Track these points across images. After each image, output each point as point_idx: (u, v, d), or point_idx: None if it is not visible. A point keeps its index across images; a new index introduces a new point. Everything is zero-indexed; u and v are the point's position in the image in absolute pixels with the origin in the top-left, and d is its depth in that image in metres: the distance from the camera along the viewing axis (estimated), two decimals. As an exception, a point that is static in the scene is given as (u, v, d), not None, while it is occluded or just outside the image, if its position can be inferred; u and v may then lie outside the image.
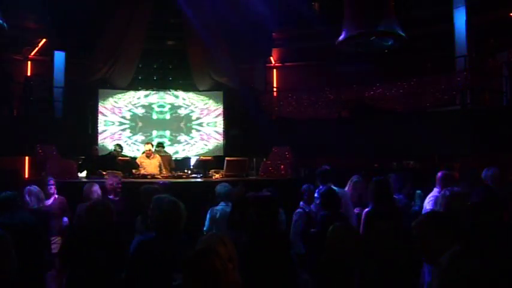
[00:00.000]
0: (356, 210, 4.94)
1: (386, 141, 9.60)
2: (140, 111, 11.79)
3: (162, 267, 2.58)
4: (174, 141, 11.78)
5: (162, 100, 11.91)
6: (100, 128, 11.36)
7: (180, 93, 12.02)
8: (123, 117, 11.67)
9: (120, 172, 7.52)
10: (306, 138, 9.95)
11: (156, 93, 11.92)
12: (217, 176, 8.13)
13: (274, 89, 12.94)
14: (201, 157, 11.47)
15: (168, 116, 11.92)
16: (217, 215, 4.69)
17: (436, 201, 4.20)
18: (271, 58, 13.32)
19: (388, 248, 2.79)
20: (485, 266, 1.83)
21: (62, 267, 3.72)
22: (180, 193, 3.66)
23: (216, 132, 11.93)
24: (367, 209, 4.13)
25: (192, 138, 11.93)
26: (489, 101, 9.65)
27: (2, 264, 2.47)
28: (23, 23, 11.35)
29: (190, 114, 11.98)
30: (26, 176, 10.49)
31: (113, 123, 11.56)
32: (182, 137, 11.90)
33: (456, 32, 9.65)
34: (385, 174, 4.96)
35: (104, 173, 7.41)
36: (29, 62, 12.42)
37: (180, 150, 11.74)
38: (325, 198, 4.35)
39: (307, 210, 4.75)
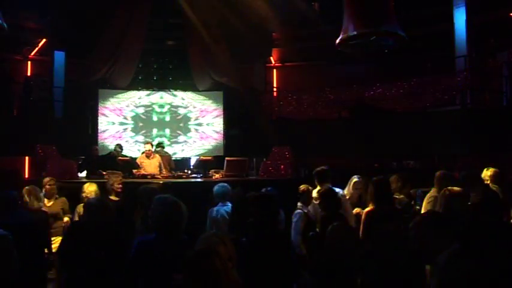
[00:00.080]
0: (355, 211, 4.94)
1: (386, 141, 9.60)
2: (141, 111, 11.80)
3: (162, 267, 2.58)
4: (173, 141, 11.78)
5: (162, 100, 11.91)
6: (101, 127, 11.35)
7: (180, 93, 12.02)
8: (124, 117, 11.67)
9: (120, 172, 7.50)
10: (306, 138, 9.95)
11: (156, 93, 11.92)
12: (217, 176, 8.13)
13: (274, 89, 12.94)
14: (201, 157, 11.47)
15: (167, 116, 11.92)
16: (217, 215, 4.69)
17: (435, 201, 4.20)
18: (271, 58, 13.31)
19: (389, 249, 2.80)
20: (483, 266, 1.83)
21: (61, 266, 3.72)
22: (180, 193, 3.66)
23: (216, 132, 11.92)
24: (367, 209, 4.13)
25: (190, 138, 11.93)
26: (489, 101, 9.64)
27: (3, 263, 2.47)
28: (23, 23, 11.34)
29: (190, 114, 11.98)
30: (26, 176, 10.47)
31: (113, 123, 11.56)
32: (181, 137, 11.90)
33: (456, 32, 9.66)
34: (385, 174, 4.95)
35: (104, 173, 7.40)
36: (29, 62, 12.42)
37: (179, 150, 11.74)
38: (325, 199, 4.35)
39: (305, 211, 4.75)
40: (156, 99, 11.89)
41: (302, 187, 4.88)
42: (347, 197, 5.14)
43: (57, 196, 5.45)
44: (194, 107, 12.00)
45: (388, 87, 10.11)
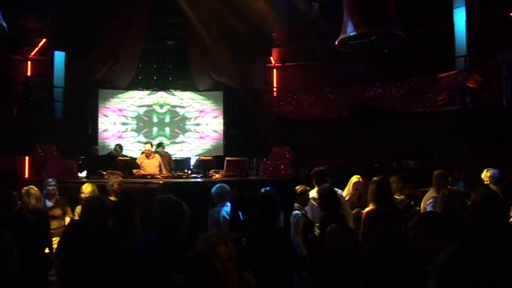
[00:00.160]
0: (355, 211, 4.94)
1: (386, 141, 9.59)
2: (142, 111, 11.80)
3: (163, 267, 2.57)
4: (172, 141, 11.77)
5: (162, 100, 11.91)
6: (103, 127, 11.35)
7: (179, 93, 12.02)
8: (126, 117, 11.67)
9: (120, 172, 7.52)
10: (306, 138, 9.95)
11: (156, 93, 11.92)
12: (217, 176, 8.13)
13: (274, 89, 12.93)
14: (201, 157, 11.47)
15: (167, 116, 11.92)
16: (218, 217, 4.70)
17: (436, 202, 4.20)
18: (271, 58, 13.31)
19: (389, 249, 2.79)
20: (482, 266, 1.83)
21: (60, 265, 3.72)
22: (180, 193, 3.66)
23: (215, 132, 11.92)
24: (367, 209, 4.13)
25: (189, 137, 11.93)
26: (489, 101, 9.64)
27: (4, 263, 2.47)
28: (23, 23, 11.34)
29: (189, 114, 11.98)
30: (26, 176, 10.47)
31: (115, 123, 11.56)
32: (180, 137, 11.90)
33: (456, 32, 9.64)
34: (385, 174, 4.95)
35: (104, 173, 7.41)
36: (29, 62, 12.41)
37: (178, 150, 11.73)
38: (325, 199, 4.34)
39: (303, 211, 4.74)
40: (157, 99, 11.89)
41: (299, 188, 4.87)
42: (347, 198, 5.14)
43: (57, 197, 5.46)
44: (193, 107, 12.00)
45: (388, 87, 10.10)
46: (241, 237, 3.45)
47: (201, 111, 11.99)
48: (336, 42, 8.71)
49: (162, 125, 11.89)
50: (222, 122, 11.88)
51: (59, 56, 11.39)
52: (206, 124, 11.96)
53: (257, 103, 11.75)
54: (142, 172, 8.16)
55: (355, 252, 3.03)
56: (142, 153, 8.91)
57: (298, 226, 4.54)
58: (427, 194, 4.71)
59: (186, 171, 9.18)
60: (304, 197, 4.80)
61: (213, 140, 11.88)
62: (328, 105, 10.87)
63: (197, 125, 11.97)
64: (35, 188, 4.76)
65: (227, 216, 4.65)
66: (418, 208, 4.88)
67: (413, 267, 2.43)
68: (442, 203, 3.50)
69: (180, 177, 8.34)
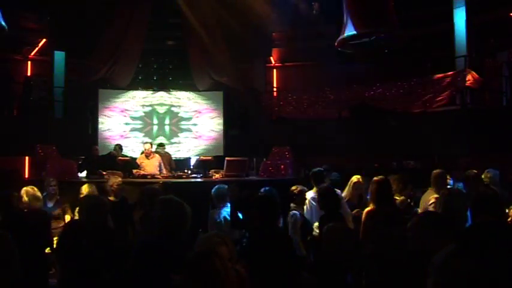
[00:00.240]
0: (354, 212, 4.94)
1: (386, 141, 9.59)
2: (143, 111, 11.80)
3: (164, 268, 2.57)
4: (172, 141, 11.77)
5: (162, 100, 11.91)
6: (104, 127, 11.35)
7: (178, 93, 12.02)
8: (129, 117, 11.67)
9: (120, 172, 7.52)
10: (306, 138, 9.95)
11: (156, 93, 11.93)
12: (217, 176, 8.13)
13: (274, 89, 12.93)
14: (201, 157, 11.47)
15: (167, 116, 11.92)
16: (219, 218, 4.71)
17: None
18: (271, 58, 13.31)
19: (389, 249, 2.79)
20: (481, 266, 1.83)
21: (59, 263, 3.73)
22: (180, 193, 3.66)
23: (215, 131, 11.91)
24: (367, 209, 4.13)
25: (187, 137, 11.93)
26: (489, 101, 9.64)
27: (4, 264, 2.47)
28: (23, 23, 11.35)
29: (189, 114, 11.98)
30: (26, 176, 10.47)
31: (120, 123, 11.57)
32: (180, 137, 11.90)
33: (456, 32, 9.65)
34: (385, 174, 4.95)
35: (104, 173, 7.41)
36: (29, 62, 12.42)
37: (178, 150, 11.73)
38: (324, 197, 4.33)
39: (300, 211, 4.73)
40: (157, 99, 11.89)
41: (295, 188, 4.84)
42: (347, 198, 5.14)
43: (58, 197, 5.46)
44: (193, 107, 12.00)
45: (388, 87, 10.10)
46: (241, 237, 3.45)
47: (201, 111, 11.99)
48: (336, 42, 8.73)
49: (162, 125, 11.89)
50: (222, 122, 11.88)
51: (59, 56, 11.39)
52: (205, 124, 11.96)
53: (257, 103, 11.76)
54: (142, 172, 8.15)
55: (354, 252, 3.03)
56: (142, 153, 8.90)
57: (296, 226, 4.54)
58: (425, 194, 4.71)
59: (186, 171, 9.17)
60: (300, 197, 4.78)
61: (212, 140, 11.88)
62: (328, 105, 10.87)
63: (197, 125, 11.97)
64: (35, 188, 4.75)
65: (228, 217, 4.65)
66: (417, 209, 4.88)
67: (413, 268, 2.43)
68: (441, 203, 3.50)
69: (180, 177, 8.34)
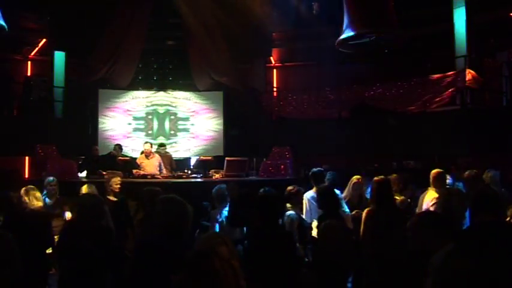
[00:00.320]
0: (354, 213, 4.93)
1: (386, 141, 9.60)
2: (146, 111, 11.80)
3: (165, 268, 2.57)
4: (171, 141, 11.77)
5: (162, 100, 11.91)
6: (106, 127, 11.35)
7: (178, 93, 12.02)
8: (132, 117, 11.67)
9: (120, 172, 7.51)
10: (306, 138, 9.95)
11: (155, 93, 11.93)
12: (217, 176, 8.14)
13: (274, 89, 12.93)
14: (201, 157, 11.47)
15: (167, 116, 11.92)
16: (219, 217, 4.71)
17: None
18: (271, 58, 13.32)
19: (389, 250, 2.80)
20: (479, 266, 1.83)
21: (58, 262, 3.74)
22: (181, 193, 3.66)
23: (215, 131, 11.91)
24: (367, 209, 4.13)
25: (188, 138, 11.93)
26: (489, 101, 9.64)
27: (5, 264, 2.47)
28: (23, 23, 11.35)
29: (189, 114, 11.98)
30: (26, 176, 10.48)
31: (127, 123, 11.57)
32: (179, 137, 11.90)
33: (456, 32, 9.65)
34: (385, 174, 4.95)
35: (104, 173, 7.41)
36: (29, 62, 12.42)
37: (178, 150, 11.73)
38: (323, 197, 4.32)
39: (297, 211, 4.71)
40: (157, 99, 11.89)
41: (292, 188, 4.80)
42: (347, 198, 5.14)
43: (58, 196, 5.46)
44: (193, 107, 11.99)
45: (388, 87, 10.11)
46: (243, 237, 3.45)
47: (201, 111, 11.99)
48: (336, 42, 8.73)
49: (163, 125, 11.89)
50: (222, 122, 11.87)
51: (59, 56, 11.39)
52: (205, 124, 11.95)
53: (257, 103, 11.75)
54: (142, 172, 8.15)
55: (352, 249, 3.03)
56: (142, 153, 8.90)
57: (293, 226, 4.53)
58: (424, 194, 4.71)
59: (186, 171, 9.18)
60: (297, 197, 4.76)
61: (212, 140, 11.88)
62: (328, 105, 10.88)
63: (197, 125, 11.96)
64: (35, 188, 4.76)
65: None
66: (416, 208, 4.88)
67: (413, 267, 2.43)
68: (440, 203, 3.51)
69: (180, 177, 8.34)
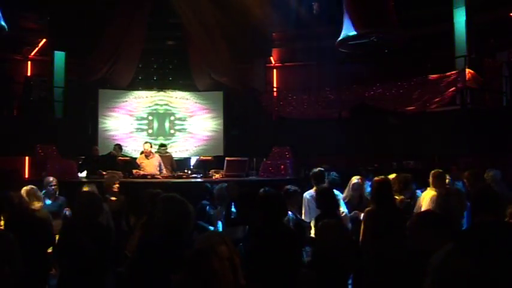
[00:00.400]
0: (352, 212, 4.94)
1: (386, 141, 9.59)
2: (142, 111, 11.80)
3: (166, 267, 2.56)
4: (172, 141, 11.77)
5: (161, 100, 11.91)
6: (105, 127, 11.35)
7: (178, 93, 12.02)
8: (134, 118, 11.68)
9: (120, 172, 7.52)
10: (306, 138, 9.94)
11: (155, 93, 11.93)
12: (217, 176, 8.14)
13: (274, 89, 12.93)
14: (201, 157, 11.47)
15: (167, 116, 11.92)
16: (221, 216, 4.72)
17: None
18: (271, 58, 13.32)
19: (389, 249, 2.80)
20: (479, 265, 1.83)
21: (58, 261, 3.74)
22: (181, 193, 3.66)
23: (214, 131, 11.91)
24: (367, 209, 4.13)
25: (188, 138, 11.93)
26: (489, 101, 9.64)
27: (6, 264, 2.47)
28: (23, 23, 11.35)
29: (189, 114, 11.98)
30: (26, 176, 10.48)
31: (131, 124, 11.58)
32: (179, 137, 11.90)
33: (456, 32, 9.65)
34: (385, 174, 4.95)
35: (104, 173, 7.41)
36: (29, 62, 12.42)
37: (178, 150, 11.73)
38: (321, 197, 4.31)
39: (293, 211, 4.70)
40: (157, 99, 11.90)
41: (289, 188, 4.72)
42: (347, 199, 5.14)
43: (57, 196, 5.46)
44: (192, 107, 11.99)
45: (388, 87, 10.11)
46: (245, 236, 3.44)
47: (201, 111, 11.99)
48: (336, 42, 8.73)
49: (163, 125, 11.89)
50: (222, 122, 11.87)
51: (59, 56, 11.40)
52: (205, 124, 11.95)
53: (257, 103, 11.76)
54: (142, 172, 8.15)
55: (351, 248, 3.03)
56: (141, 153, 8.90)
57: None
58: (423, 194, 4.71)
59: (186, 171, 9.18)
60: (294, 198, 4.75)
61: (212, 140, 11.88)
62: (328, 105, 10.87)
63: (197, 125, 11.96)
64: (35, 188, 4.76)
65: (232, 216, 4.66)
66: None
67: (412, 267, 2.43)
68: (439, 203, 3.51)
69: (180, 177, 8.34)
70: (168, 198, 2.90)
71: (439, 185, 4.58)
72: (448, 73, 9.24)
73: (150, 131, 11.80)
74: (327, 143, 9.79)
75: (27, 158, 10.88)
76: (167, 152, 9.61)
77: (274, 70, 13.65)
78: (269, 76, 13.41)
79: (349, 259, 2.95)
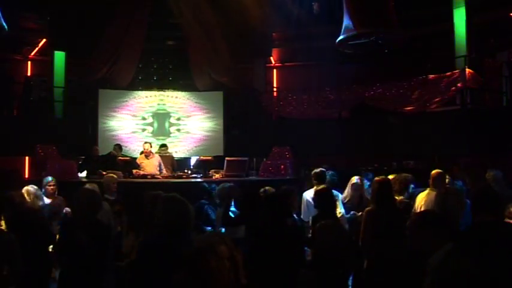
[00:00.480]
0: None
1: (386, 141, 9.59)
2: (142, 111, 11.80)
3: (166, 267, 2.56)
4: (172, 141, 11.77)
5: (161, 100, 11.91)
6: (105, 127, 11.35)
7: (178, 93, 12.02)
8: (127, 117, 11.67)
9: (120, 172, 7.53)
10: (306, 138, 9.94)
11: (155, 93, 11.94)
12: (217, 176, 8.15)
13: (274, 89, 12.93)
14: (201, 157, 11.47)
15: (167, 116, 11.92)
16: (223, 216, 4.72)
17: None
18: (271, 58, 13.32)
19: (389, 249, 2.80)
20: (478, 266, 1.83)
21: (58, 259, 3.75)
22: (181, 193, 3.66)
23: (214, 131, 11.90)
24: (368, 208, 4.13)
25: (188, 138, 11.92)
26: (489, 101, 9.64)
27: (7, 264, 2.47)
28: (23, 23, 11.35)
29: (188, 114, 11.98)
30: (26, 176, 10.47)
31: (116, 124, 11.57)
32: (179, 137, 11.90)
33: (456, 32, 9.65)
34: (385, 174, 4.95)
35: (104, 173, 7.41)
36: (29, 62, 12.41)
37: (178, 149, 11.72)
38: (319, 197, 4.31)
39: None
40: (157, 99, 11.90)
41: (286, 188, 4.74)
42: (347, 199, 5.14)
43: (56, 195, 5.46)
44: (192, 107, 11.99)
45: (388, 87, 10.11)
46: (247, 236, 3.43)
47: (201, 111, 11.98)
48: (336, 42, 8.73)
49: (163, 125, 11.89)
50: (222, 122, 11.87)
51: (59, 56, 11.39)
52: (205, 124, 11.95)
53: (257, 103, 11.76)
54: (142, 172, 8.15)
55: (350, 248, 3.02)
56: (141, 153, 8.90)
57: None
58: (422, 194, 4.71)
59: (186, 171, 9.18)
60: (291, 198, 4.73)
61: (212, 140, 11.88)
62: (328, 105, 10.87)
63: (197, 125, 11.96)
64: (36, 187, 4.77)
65: (233, 216, 4.66)
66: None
67: (413, 267, 2.44)
68: (438, 202, 3.51)
69: (180, 177, 8.34)
70: (169, 198, 2.90)
71: (438, 185, 4.58)
72: (448, 73, 9.24)
73: (150, 131, 11.79)
74: (327, 143, 9.79)
75: (27, 158, 10.86)
76: (168, 152, 9.61)
77: (274, 70, 13.64)
78: (269, 76, 13.40)
79: (348, 259, 2.95)
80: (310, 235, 4.36)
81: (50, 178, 5.49)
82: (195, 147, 11.88)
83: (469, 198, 3.41)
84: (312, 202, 4.83)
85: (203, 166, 9.87)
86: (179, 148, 11.74)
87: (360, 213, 4.49)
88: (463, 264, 1.82)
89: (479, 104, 9.17)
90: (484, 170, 5.16)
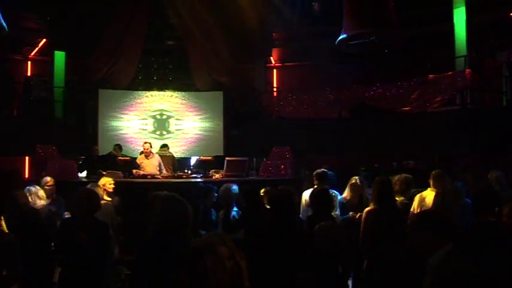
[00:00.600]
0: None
1: (386, 141, 9.59)
2: (142, 111, 11.80)
3: (166, 267, 2.57)
4: (172, 140, 11.77)
5: (161, 100, 11.91)
6: (105, 127, 11.34)
7: (178, 93, 12.02)
8: (127, 117, 11.67)
9: (120, 172, 7.52)
10: (306, 138, 9.94)
11: (155, 93, 11.94)
12: (217, 176, 8.13)
13: (274, 89, 12.93)
14: (201, 157, 11.47)
15: (167, 116, 11.92)
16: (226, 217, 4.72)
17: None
18: (271, 58, 13.31)
19: (389, 249, 2.80)
20: (478, 266, 1.83)
21: (58, 258, 3.75)
22: (181, 193, 3.66)
23: (214, 131, 11.90)
24: (368, 208, 4.13)
25: (187, 137, 11.92)
26: (489, 101, 9.64)
27: (7, 264, 2.47)
28: (23, 23, 11.34)
29: (188, 113, 11.98)
30: (26, 176, 10.47)
31: (116, 124, 11.57)
32: (179, 137, 11.90)
33: (456, 32, 9.65)
34: (386, 174, 4.95)
35: (104, 173, 7.41)
36: (29, 62, 12.41)
37: (178, 149, 11.72)
38: (316, 197, 4.30)
39: None
40: (158, 99, 11.90)
41: (282, 189, 4.72)
42: (347, 199, 5.14)
43: (55, 196, 5.46)
44: (192, 107, 11.99)
45: (388, 87, 10.11)
46: (248, 236, 3.42)
47: (200, 111, 11.99)
48: (336, 42, 8.73)
49: (163, 125, 11.89)
50: (222, 122, 11.87)
51: (59, 56, 11.40)
52: (205, 124, 11.96)
53: (257, 103, 11.76)
54: (142, 172, 8.14)
55: (349, 248, 3.02)
56: (141, 153, 8.89)
57: None
58: (421, 194, 4.71)
59: (186, 171, 9.17)
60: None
61: (213, 140, 11.88)
62: (328, 105, 10.87)
63: (197, 125, 11.96)
64: (37, 187, 4.77)
65: (237, 217, 4.66)
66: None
67: (412, 267, 2.43)
68: (438, 202, 3.51)
69: (180, 177, 8.33)
70: (168, 198, 2.90)
71: (439, 185, 4.58)
72: (448, 73, 9.24)
73: (150, 131, 11.79)
74: (327, 143, 9.79)
75: (27, 158, 10.87)
76: (168, 152, 9.60)
77: (274, 70, 13.64)
78: (269, 76, 13.40)
79: (348, 259, 2.95)
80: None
81: (48, 178, 5.48)
82: (195, 147, 11.88)
83: (470, 198, 3.41)
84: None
85: (203, 166, 9.87)
86: (179, 148, 11.74)
87: (359, 214, 4.47)
88: (463, 264, 1.82)
89: (479, 104, 9.17)
90: (485, 170, 5.16)
